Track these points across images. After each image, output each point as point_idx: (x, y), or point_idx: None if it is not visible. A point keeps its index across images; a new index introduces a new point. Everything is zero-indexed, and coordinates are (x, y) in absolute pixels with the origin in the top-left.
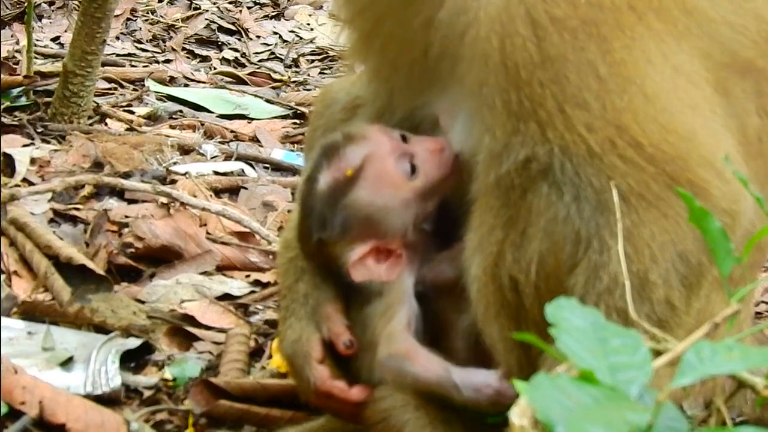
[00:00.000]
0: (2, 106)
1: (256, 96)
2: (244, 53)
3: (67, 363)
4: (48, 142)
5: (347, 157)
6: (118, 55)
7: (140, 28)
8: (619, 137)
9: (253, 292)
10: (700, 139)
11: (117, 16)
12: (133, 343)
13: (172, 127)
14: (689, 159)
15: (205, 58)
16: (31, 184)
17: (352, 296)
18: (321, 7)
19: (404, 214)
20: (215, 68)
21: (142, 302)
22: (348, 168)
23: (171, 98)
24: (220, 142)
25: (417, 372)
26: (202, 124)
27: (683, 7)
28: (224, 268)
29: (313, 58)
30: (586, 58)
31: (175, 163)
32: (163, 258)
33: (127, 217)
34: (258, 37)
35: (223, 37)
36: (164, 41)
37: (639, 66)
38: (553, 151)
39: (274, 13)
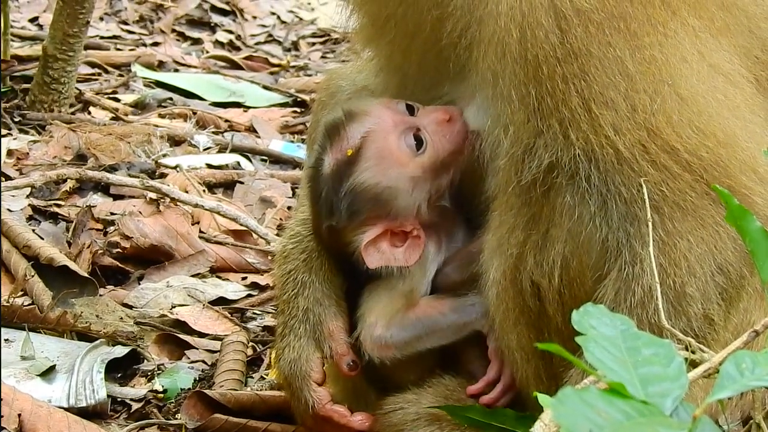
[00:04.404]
0: None
1: (252, 82)
2: (240, 35)
3: (48, 373)
4: (26, 133)
5: (347, 136)
6: (102, 37)
7: (126, 8)
8: (651, 141)
9: (250, 295)
10: (740, 144)
11: None
12: (120, 351)
13: (161, 116)
14: (729, 165)
15: (196, 41)
16: (8, 178)
17: (366, 288)
18: None
19: (415, 193)
20: (208, 52)
21: (130, 307)
22: (348, 148)
23: (160, 84)
24: (213, 133)
25: (441, 319)
26: (194, 113)
27: (721, 2)
28: (219, 270)
29: (315, 40)
30: (613, 55)
31: (164, 156)
32: (152, 259)
33: (112, 214)
34: (254, 17)
35: (216, 18)
36: (152, 22)
37: (672, 64)
38: (579, 157)
39: None
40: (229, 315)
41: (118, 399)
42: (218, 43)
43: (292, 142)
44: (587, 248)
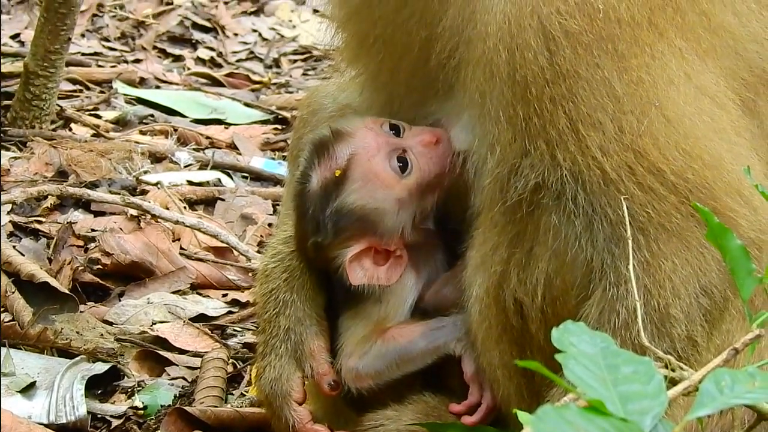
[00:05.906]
0: None
1: (233, 99)
2: (221, 52)
3: (28, 389)
4: (7, 149)
5: (335, 157)
6: (83, 54)
7: (107, 25)
8: (637, 163)
9: (230, 312)
10: (726, 166)
11: (82, 11)
12: (100, 367)
13: (142, 132)
14: (715, 187)
15: (178, 58)
16: None
17: (346, 306)
18: (304, 2)
19: (400, 214)
20: (189, 69)
21: (110, 323)
22: (336, 169)
23: (141, 101)
24: (194, 150)
25: (410, 347)
26: (175, 130)
27: (708, 24)
28: (199, 287)
29: (296, 57)
30: (601, 76)
31: (145, 172)
32: (132, 275)
33: (93, 230)
34: (236, 34)
35: (197, 35)
36: (134, 39)
37: (659, 86)
38: (565, 178)
39: (253, 9)
40: (209, 332)
41: (98, 415)
42: (199, 60)
43: (273, 159)
44: (571, 267)
